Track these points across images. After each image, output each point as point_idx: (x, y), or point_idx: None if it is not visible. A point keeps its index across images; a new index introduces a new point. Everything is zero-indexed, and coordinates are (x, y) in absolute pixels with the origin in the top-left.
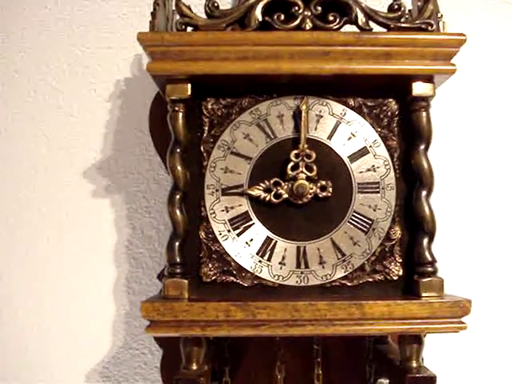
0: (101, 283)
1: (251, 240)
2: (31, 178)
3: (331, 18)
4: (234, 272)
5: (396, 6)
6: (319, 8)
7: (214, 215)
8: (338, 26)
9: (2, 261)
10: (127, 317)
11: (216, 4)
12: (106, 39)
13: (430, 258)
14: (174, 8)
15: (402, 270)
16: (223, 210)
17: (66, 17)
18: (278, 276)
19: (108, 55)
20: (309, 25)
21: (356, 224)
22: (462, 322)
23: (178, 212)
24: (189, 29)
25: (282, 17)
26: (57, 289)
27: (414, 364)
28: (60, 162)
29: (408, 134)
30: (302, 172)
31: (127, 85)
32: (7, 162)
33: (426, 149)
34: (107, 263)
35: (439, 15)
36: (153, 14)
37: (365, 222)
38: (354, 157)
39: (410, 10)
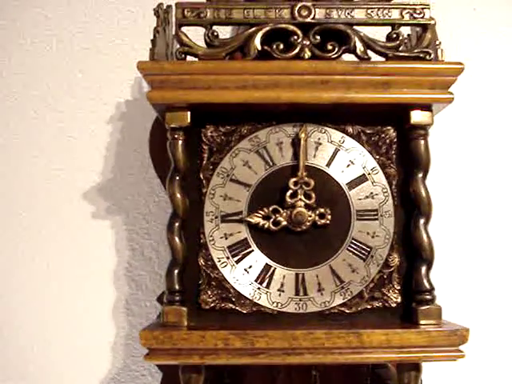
0: (101, 305)
1: (250, 267)
2: (32, 199)
3: (330, 47)
4: (233, 299)
5: (394, 36)
6: (318, 37)
7: (213, 242)
8: (336, 55)
9: (3, 282)
10: (127, 339)
11: (216, 33)
12: (106, 61)
13: (428, 286)
14: (174, 33)
15: (400, 298)
16: (222, 237)
17: (67, 38)
18: (277, 303)
19: (109, 77)
20: (308, 54)
21: (354, 251)
22: (460, 351)
23: (177, 239)
24: (188, 57)
25: (281, 46)
26: (57, 310)
27: None
28: (60, 183)
29: (406, 162)
30: (300, 200)
31: (128, 107)
32: (8, 182)
33: (424, 177)
34: (107, 285)
35: (437, 42)
36: (153, 42)
37: (363, 249)
38: (353, 184)
39: (408, 35)
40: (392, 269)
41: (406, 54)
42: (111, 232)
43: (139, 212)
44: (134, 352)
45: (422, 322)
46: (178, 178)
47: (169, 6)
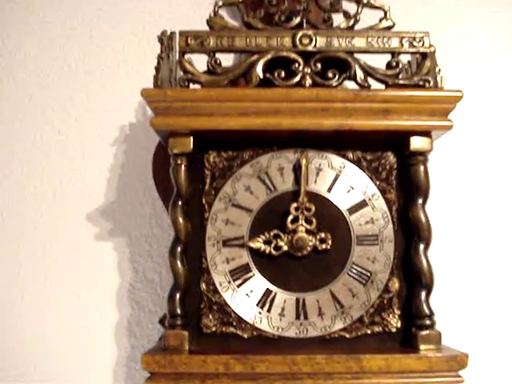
0: (103, 326)
1: (251, 291)
2: (37, 219)
3: (330, 75)
4: (234, 323)
5: (394, 64)
6: (319, 65)
7: (214, 267)
8: (337, 83)
9: (6, 300)
10: (129, 360)
11: (218, 61)
12: (110, 85)
13: (427, 312)
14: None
15: (400, 322)
16: (224, 262)
17: (72, 63)
18: (278, 327)
19: (112, 101)
20: (309, 81)
21: (355, 276)
22: (459, 376)
23: (179, 264)
24: (192, 85)
25: (283, 74)
26: (59, 329)
27: None
28: (65, 205)
29: (406, 188)
30: (301, 225)
31: (131, 130)
32: (15, 205)
33: (424, 202)
34: (109, 306)
35: (437, 70)
36: (156, 69)
37: (363, 274)
38: (353, 209)
39: (409, 61)
40: (392, 294)
41: (406, 82)
42: (114, 253)
43: (142, 234)
44: (136, 373)
45: (421, 347)
46: (180, 202)
47: (172, 33)
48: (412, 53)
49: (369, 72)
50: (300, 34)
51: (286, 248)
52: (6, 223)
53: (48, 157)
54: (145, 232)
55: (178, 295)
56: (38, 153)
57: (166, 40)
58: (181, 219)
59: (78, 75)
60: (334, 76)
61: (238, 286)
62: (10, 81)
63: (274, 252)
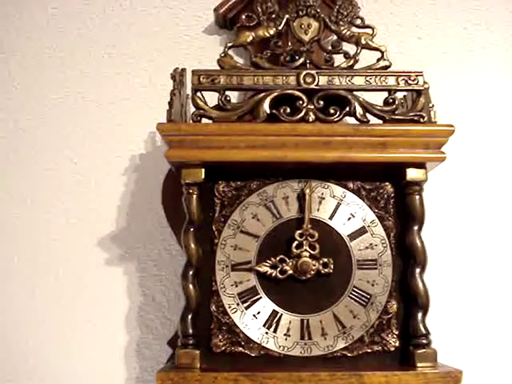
0: (112, 348)
1: (258, 313)
2: (49, 246)
3: (332, 111)
4: (242, 343)
5: (391, 100)
6: (321, 102)
7: (224, 289)
8: (338, 118)
9: (19, 322)
10: (137, 381)
11: (228, 98)
12: (121, 117)
13: (424, 331)
14: (188, 92)
15: (398, 342)
16: (232, 285)
17: (85, 95)
18: (283, 347)
19: (123, 132)
20: (312, 117)
21: (355, 298)
22: None
23: (191, 287)
24: (203, 119)
25: (288, 110)
26: (69, 352)
27: None
28: (77, 231)
29: (403, 215)
30: (305, 250)
31: (141, 160)
32: (29, 229)
33: (420, 229)
34: (119, 328)
35: (431, 105)
36: (170, 104)
37: (364, 296)
38: (354, 236)
39: (404, 96)
40: (390, 315)
41: (402, 117)
42: (124, 278)
43: (151, 259)
44: None
45: (418, 364)
46: (192, 229)
47: (183, 70)
48: (407, 90)
49: (367, 108)
50: (304, 73)
51: (291, 272)
52: (20, 249)
53: (62, 184)
54: (153, 257)
55: (189, 316)
56: (52, 180)
57: (178, 77)
58: (192, 245)
59: (91, 108)
60: (336, 112)
61: (246, 307)
62: (26, 112)
63: (279, 276)
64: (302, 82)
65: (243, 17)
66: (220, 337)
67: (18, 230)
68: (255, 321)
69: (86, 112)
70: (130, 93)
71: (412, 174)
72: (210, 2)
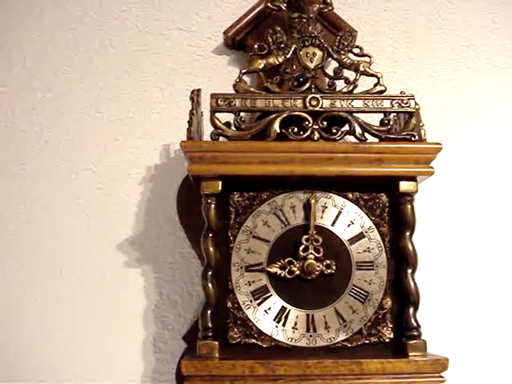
0: (131, 342)
1: (269, 309)
2: (72, 250)
3: (334, 131)
4: (255, 335)
5: (386, 121)
6: (325, 122)
7: (238, 288)
8: (339, 137)
9: (43, 319)
10: (154, 372)
11: (243, 119)
12: (138, 130)
13: (415, 324)
14: (202, 110)
15: (392, 334)
16: (246, 284)
17: (103, 110)
18: (291, 338)
19: (140, 144)
20: (316, 136)
21: (355, 295)
22: (442, 377)
23: (210, 286)
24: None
25: (295, 129)
26: (92, 347)
27: None
28: (97, 236)
29: (396, 222)
30: (311, 253)
31: (156, 170)
32: (53, 236)
33: (411, 234)
34: (137, 325)
35: (421, 124)
36: (189, 122)
37: (362, 293)
38: (353, 240)
39: (397, 115)
40: (385, 310)
41: (396, 136)
42: (141, 279)
43: (166, 261)
44: None
45: (410, 353)
46: (210, 235)
47: (199, 90)
48: (400, 112)
49: (365, 128)
50: (309, 96)
51: (298, 272)
52: (45, 253)
53: (83, 193)
54: (168, 260)
55: (209, 312)
56: (74, 190)
57: (195, 98)
58: (211, 248)
59: (110, 121)
60: (337, 131)
61: (258, 304)
62: (50, 126)
63: (288, 276)
64: (307, 104)
65: (255, 46)
66: (235, 330)
67: (43, 234)
68: (266, 316)
69: (104, 125)
70: (146, 108)
71: (404, 186)
72: (220, 25)
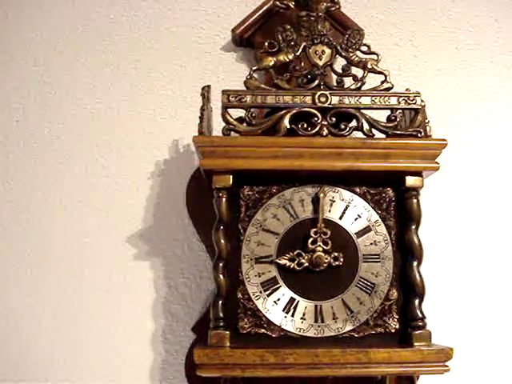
0: (141, 334)
1: (278, 300)
2: (83, 243)
3: (342, 127)
4: (265, 325)
5: (393, 118)
6: (333, 118)
7: (248, 279)
8: (347, 133)
9: (56, 310)
10: (163, 363)
11: (254, 114)
12: (147, 125)
13: (420, 315)
14: (211, 106)
15: (398, 324)
16: (256, 275)
17: (113, 105)
18: (300, 329)
19: (149, 139)
20: (325, 131)
21: (362, 287)
22: (446, 366)
23: (221, 277)
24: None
25: (305, 125)
26: (102, 340)
27: None
28: (108, 229)
29: (402, 216)
30: (319, 246)
31: (166, 164)
32: (64, 230)
33: (417, 228)
34: (147, 317)
35: (427, 121)
36: (200, 119)
37: (368, 285)
38: (360, 233)
39: (403, 111)
40: (391, 301)
41: (402, 132)
42: (151, 271)
43: (175, 254)
44: (169, 374)
45: (415, 343)
46: (222, 227)
47: (208, 86)
48: (407, 109)
49: (373, 124)
50: (318, 93)
51: (306, 264)
52: (55, 246)
53: (93, 187)
54: (177, 253)
55: (220, 302)
56: (84, 185)
57: (206, 94)
58: (222, 241)
59: (120, 117)
60: (346, 127)
61: (268, 295)
62: (61, 123)
63: (296, 267)
64: (316, 101)
65: (266, 44)
66: (245, 320)
67: (53, 229)
68: (276, 306)
69: (114, 121)
70: (156, 104)
71: (410, 181)
72: (228, 22)
